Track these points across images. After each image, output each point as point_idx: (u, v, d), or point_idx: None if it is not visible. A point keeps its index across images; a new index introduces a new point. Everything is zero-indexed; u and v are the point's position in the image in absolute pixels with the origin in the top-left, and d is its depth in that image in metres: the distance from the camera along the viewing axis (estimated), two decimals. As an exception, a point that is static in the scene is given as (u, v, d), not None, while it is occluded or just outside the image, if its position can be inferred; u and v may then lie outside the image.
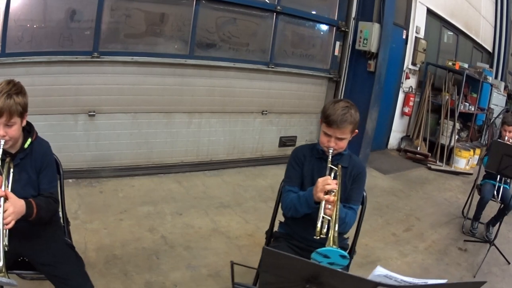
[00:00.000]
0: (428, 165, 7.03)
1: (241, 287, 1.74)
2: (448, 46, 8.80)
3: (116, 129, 4.45)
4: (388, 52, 5.89)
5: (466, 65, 7.94)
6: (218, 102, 5.04)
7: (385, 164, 6.46)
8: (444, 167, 7.09)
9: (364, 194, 2.53)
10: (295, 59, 5.53)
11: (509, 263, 4.40)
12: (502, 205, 4.67)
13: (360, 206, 2.51)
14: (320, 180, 2.13)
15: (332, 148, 2.26)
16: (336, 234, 1.98)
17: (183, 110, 4.84)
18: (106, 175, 4.43)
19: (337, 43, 5.88)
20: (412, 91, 7.29)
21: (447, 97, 7.40)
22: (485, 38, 10.21)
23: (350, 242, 2.60)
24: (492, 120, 8.64)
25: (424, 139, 7.48)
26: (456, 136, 7.40)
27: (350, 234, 2.54)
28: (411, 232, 4.65)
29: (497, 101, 9.46)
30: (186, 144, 4.99)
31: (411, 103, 7.27)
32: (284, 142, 5.72)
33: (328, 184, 2.10)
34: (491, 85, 8.96)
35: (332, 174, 2.23)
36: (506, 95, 10.32)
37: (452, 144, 7.23)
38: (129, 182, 4.48)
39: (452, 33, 8.82)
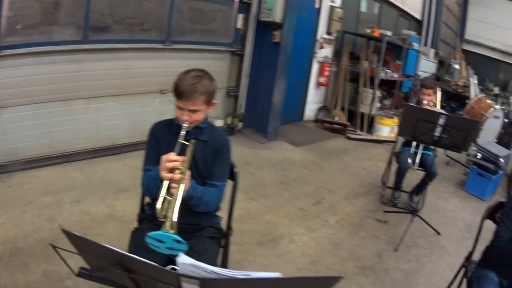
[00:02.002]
0: (347, 135, 7.13)
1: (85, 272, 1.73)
2: (370, 15, 8.87)
3: (20, 121, 4.41)
4: (294, 22, 5.92)
5: (389, 33, 8.04)
6: (115, 85, 5.02)
7: (299, 136, 6.52)
8: (365, 136, 7.16)
9: (235, 170, 2.48)
10: (194, 35, 5.51)
11: (438, 233, 4.33)
12: (425, 173, 4.61)
13: (233, 182, 2.47)
14: (163, 157, 2.06)
15: (186, 122, 2.17)
16: (174, 217, 1.89)
17: (81, 96, 4.82)
18: (14, 169, 4.41)
19: (240, 16, 5.79)
20: (327, 60, 7.35)
21: (366, 65, 7.44)
22: (413, 6, 10.29)
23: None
24: (419, 87, 8.53)
25: (343, 109, 7.48)
26: (379, 104, 7.44)
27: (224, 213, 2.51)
28: (321, 205, 4.57)
29: (427, 67, 9.79)
30: (86, 130, 4.96)
31: (326, 73, 7.35)
32: (187, 120, 5.64)
33: (170, 161, 2.02)
34: (418, 51, 9.06)
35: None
36: (436, 61, 10.45)
37: (373, 112, 7.24)
38: (35, 174, 4.45)
39: (376, 1, 8.80)
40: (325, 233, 3.99)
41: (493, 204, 2.69)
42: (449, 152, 7.02)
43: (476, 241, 2.69)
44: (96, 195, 4.14)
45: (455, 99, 9.94)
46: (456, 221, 4.85)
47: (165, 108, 5.40)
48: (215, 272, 1.42)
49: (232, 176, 2.47)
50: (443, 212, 4.97)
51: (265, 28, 5.95)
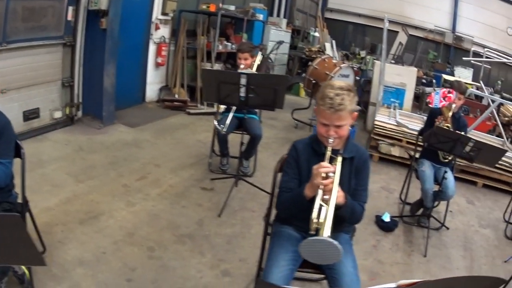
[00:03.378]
0: (187, 110, 7.42)
1: None
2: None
3: None
4: (120, 7, 6.04)
5: (232, 7, 8.36)
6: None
7: (137, 117, 6.74)
8: (206, 109, 7.50)
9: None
10: (28, 33, 5.54)
11: (269, 193, 4.58)
12: (250, 137, 4.74)
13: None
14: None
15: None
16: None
17: None
18: None
19: (70, 8, 5.88)
20: (165, 41, 7.56)
21: (203, 40, 7.86)
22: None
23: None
24: (267, 55, 9.25)
25: (183, 86, 7.84)
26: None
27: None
28: (145, 180, 4.71)
29: (278, 37, 10.15)
30: None
31: (164, 53, 7.57)
32: (27, 115, 5.64)
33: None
34: (264, 22, 9.54)
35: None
36: (290, 31, 10.98)
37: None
38: None
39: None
40: (145, 206, 4.14)
41: (283, 157, 2.67)
42: (296, 115, 7.47)
43: (272, 197, 2.82)
44: None
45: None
46: None
47: (6, 106, 5.37)
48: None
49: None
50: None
51: (94, 16, 6.05)
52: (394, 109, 7.43)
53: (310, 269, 2.49)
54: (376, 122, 6.75)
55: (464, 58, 10.04)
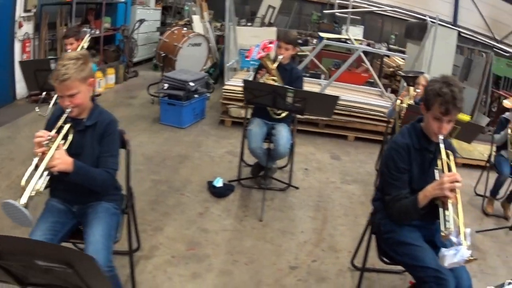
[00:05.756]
0: (49, 101, 6.98)
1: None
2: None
3: None
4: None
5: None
6: None
7: (6, 116, 6.52)
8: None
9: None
10: None
11: None
12: None
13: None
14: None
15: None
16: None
17: None
18: None
19: None
20: (28, 37, 7.46)
21: (62, 30, 7.72)
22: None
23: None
24: (128, 36, 9.23)
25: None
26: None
27: None
28: None
29: (145, 16, 9.84)
30: None
31: (28, 49, 7.47)
32: None
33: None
34: (126, 3, 9.53)
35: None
36: (160, 8, 10.65)
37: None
38: None
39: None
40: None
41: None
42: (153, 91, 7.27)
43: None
44: None
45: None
46: (136, 157, 4.97)
47: None
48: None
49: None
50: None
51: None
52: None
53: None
54: (225, 87, 6.69)
55: (325, 11, 10.07)
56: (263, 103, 4.06)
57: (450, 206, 2.22)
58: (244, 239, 3.78)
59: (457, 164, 2.52)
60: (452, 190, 2.24)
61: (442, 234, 2.23)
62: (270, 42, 4.30)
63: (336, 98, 4.11)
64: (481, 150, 6.23)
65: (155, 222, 3.86)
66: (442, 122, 2.35)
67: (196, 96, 6.56)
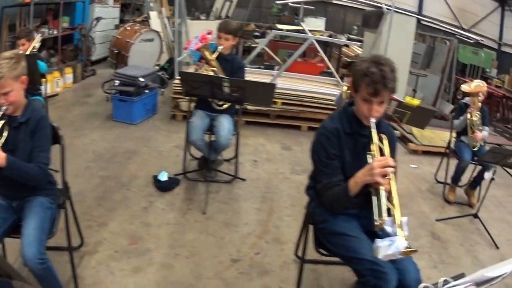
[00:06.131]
0: None
1: None
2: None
3: None
4: None
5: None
6: None
7: None
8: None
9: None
10: None
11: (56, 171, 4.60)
12: None
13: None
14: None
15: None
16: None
17: None
18: None
19: None
20: None
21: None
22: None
23: None
24: (86, 35, 9.12)
25: None
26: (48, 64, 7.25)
27: None
28: None
29: (107, 14, 9.92)
30: None
31: None
32: None
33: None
34: (84, 2, 9.36)
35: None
36: (119, 6, 10.55)
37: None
38: None
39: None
40: None
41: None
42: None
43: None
44: None
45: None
46: (87, 154, 4.92)
47: None
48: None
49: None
50: (75, 147, 5.19)
51: None
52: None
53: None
54: (176, 81, 6.60)
55: (278, 2, 10.09)
56: (202, 94, 4.05)
57: (382, 193, 2.08)
58: (186, 232, 3.78)
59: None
60: (384, 175, 2.09)
61: (376, 223, 2.10)
62: (208, 33, 4.28)
63: (273, 86, 4.12)
64: (443, 137, 6.08)
65: (100, 218, 3.85)
66: (372, 104, 2.22)
67: (147, 91, 6.51)
